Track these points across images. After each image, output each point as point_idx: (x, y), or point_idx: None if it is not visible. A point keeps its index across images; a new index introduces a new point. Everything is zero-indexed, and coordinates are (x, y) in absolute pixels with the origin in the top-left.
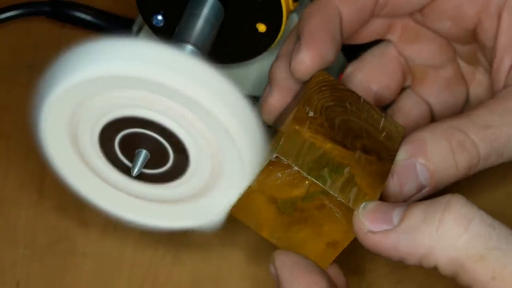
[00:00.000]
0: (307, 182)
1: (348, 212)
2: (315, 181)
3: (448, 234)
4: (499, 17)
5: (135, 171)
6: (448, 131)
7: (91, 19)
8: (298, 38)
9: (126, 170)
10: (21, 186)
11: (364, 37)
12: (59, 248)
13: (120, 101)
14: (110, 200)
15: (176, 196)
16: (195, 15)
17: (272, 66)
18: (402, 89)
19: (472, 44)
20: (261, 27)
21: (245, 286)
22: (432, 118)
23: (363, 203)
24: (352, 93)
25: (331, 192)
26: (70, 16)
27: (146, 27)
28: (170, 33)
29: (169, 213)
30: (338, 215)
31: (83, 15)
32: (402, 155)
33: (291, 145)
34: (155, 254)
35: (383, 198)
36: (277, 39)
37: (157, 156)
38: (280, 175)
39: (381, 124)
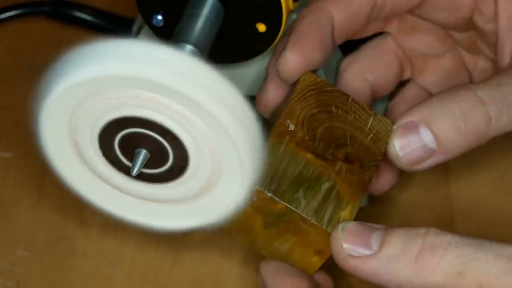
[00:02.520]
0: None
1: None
2: (288, 205)
3: (426, 264)
4: (495, 1)
5: (134, 171)
6: (455, 91)
7: (91, 19)
8: (288, 37)
9: (126, 170)
10: (21, 186)
11: (360, 33)
12: (59, 248)
13: (120, 101)
14: (110, 200)
15: (176, 196)
16: (195, 15)
17: (268, 62)
18: (403, 82)
19: (471, 32)
20: (261, 27)
21: (244, 286)
22: None
23: (341, 224)
24: (340, 93)
25: (304, 216)
26: (70, 16)
27: (146, 27)
28: (170, 33)
29: (169, 213)
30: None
31: (83, 15)
32: (403, 117)
33: (267, 165)
34: (155, 254)
35: (384, 165)
36: (277, 39)
37: (156, 156)
38: (256, 199)
39: (369, 125)
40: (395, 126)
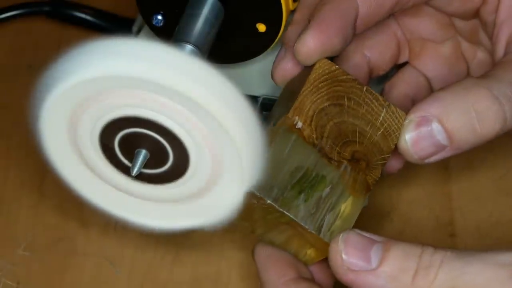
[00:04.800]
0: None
1: None
2: (287, 213)
3: (421, 285)
4: None
5: (134, 171)
6: (469, 88)
7: (91, 19)
8: (309, 21)
9: (126, 170)
10: (21, 185)
11: None
12: (59, 248)
13: (120, 101)
14: (110, 200)
15: (176, 196)
16: (195, 15)
17: (287, 30)
18: (400, 66)
19: (474, 21)
20: (261, 27)
21: (244, 286)
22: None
23: (341, 235)
24: (355, 83)
25: (302, 224)
26: (70, 16)
27: (146, 27)
28: (170, 33)
29: (169, 213)
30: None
31: (83, 15)
32: (416, 111)
33: (269, 168)
34: (155, 254)
35: (395, 155)
36: (277, 39)
37: (156, 156)
38: (256, 202)
39: (381, 118)
40: (407, 121)
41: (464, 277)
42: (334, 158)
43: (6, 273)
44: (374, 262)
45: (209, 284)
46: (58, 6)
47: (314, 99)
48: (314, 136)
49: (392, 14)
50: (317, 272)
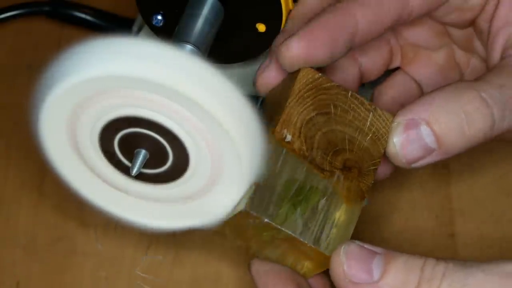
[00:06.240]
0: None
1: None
2: (286, 230)
3: None
4: (498, 1)
5: (134, 171)
6: (459, 90)
7: (91, 19)
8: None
9: (125, 170)
10: (21, 185)
11: None
12: (59, 248)
13: (120, 101)
14: (110, 200)
15: (175, 196)
16: (194, 15)
17: (276, 38)
18: (391, 71)
19: (469, 30)
20: (261, 27)
21: (244, 287)
22: None
23: (343, 247)
24: (339, 89)
25: (302, 240)
26: (70, 16)
27: (146, 27)
28: (170, 33)
29: (169, 213)
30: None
31: (83, 15)
32: (405, 114)
33: (264, 184)
34: (155, 254)
35: (383, 161)
36: None
37: (156, 156)
38: (252, 222)
39: (368, 123)
40: (395, 123)
41: None
42: (326, 168)
43: (6, 273)
44: (376, 275)
45: (209, 284)
46: (58, 6)
47: (301, 110)
48: (304, 148)
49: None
50: (317, 285)
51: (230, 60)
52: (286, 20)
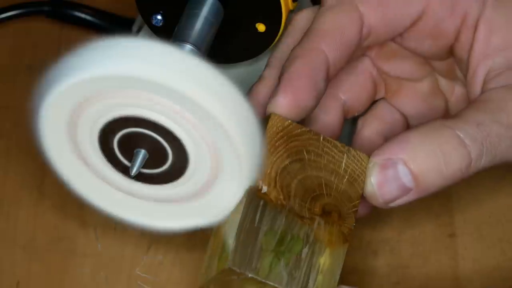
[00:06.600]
0: None
1: None
2: (271, 283)
3: None
4: (476, 28)
5: (133, 171)
6: (436, 129)
7: (91, 19)
8: (278, 81)
9: (125, 170)
10: (21, 185)
11: None
12: (59, 248)
13: (119, 100)
14: (110, 200)
15: (175, 196)
16: (194, 15)
17: (253, 86)
18: (374, 102)
19: (450, 59)
20: (261, 27)
21: None
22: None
23: None
24: (310, 134)
25: None
26: (70, 16)
27: (146, 27)
28: (170, 33)
29: (169, 213)
30: None
31: (83, 15)
32: (381, 153)
33: (243, 247)
34: (155, 254)
35: (362, 201)
36: (276, 39)
37: (156, 156)
38: (236, 278)
39: (343, 165)
40: (371, 164)
41: None
42: (305, 216)
43: (6, 273)
44: None
45: None
46: (58, 6)
47: (274, 159)
48: (282, 197)
49: (367, 56)
50: None
51: (230, 60)
52: (286, 19)
